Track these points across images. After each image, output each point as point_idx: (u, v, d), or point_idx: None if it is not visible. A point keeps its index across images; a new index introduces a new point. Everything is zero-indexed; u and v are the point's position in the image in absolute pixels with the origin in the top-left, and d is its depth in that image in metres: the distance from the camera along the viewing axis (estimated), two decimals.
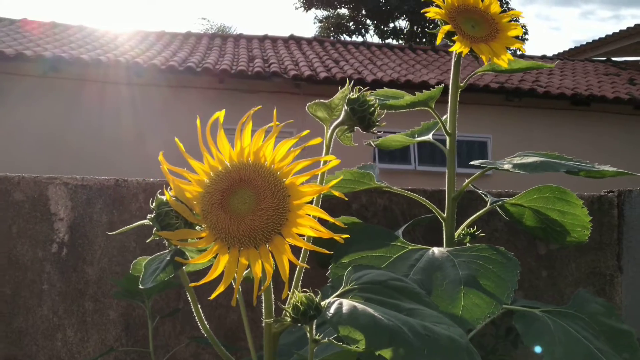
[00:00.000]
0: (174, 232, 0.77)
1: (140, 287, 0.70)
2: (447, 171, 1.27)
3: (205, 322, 0.87)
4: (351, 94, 0.81)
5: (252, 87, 9.38)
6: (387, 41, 25.11)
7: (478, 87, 9.42)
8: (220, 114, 0.81)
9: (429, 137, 1.38)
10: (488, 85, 9.63)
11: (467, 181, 1.27)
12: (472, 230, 1.29)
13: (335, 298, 0.84)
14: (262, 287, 0.76)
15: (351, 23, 27.84)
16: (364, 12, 27.22)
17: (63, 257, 1.57)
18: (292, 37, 12.65)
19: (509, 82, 9.87)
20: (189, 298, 0.86)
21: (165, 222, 0.78)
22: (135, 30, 11.89)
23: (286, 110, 9.39)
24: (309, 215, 0.78)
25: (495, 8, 1.23)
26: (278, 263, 0.77)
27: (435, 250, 1.11)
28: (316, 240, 0.80)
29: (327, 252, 0.77)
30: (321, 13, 27.77)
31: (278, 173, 0.78)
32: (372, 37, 27.44)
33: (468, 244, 1.30)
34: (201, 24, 22.84)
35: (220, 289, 0.76)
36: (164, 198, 0.81)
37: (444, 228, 1.28)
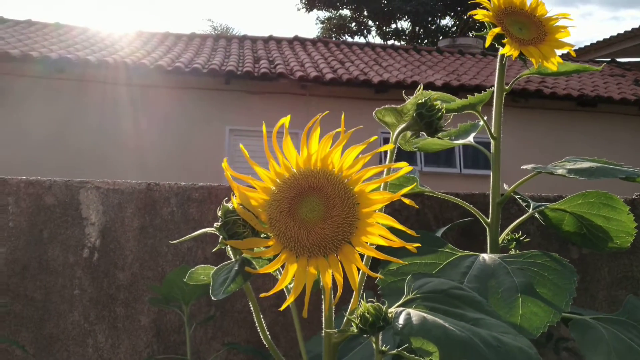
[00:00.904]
0: (242, 241, 0.75)
1: (213, 298, 0.68)
2: (492, 176, 1.25)
3: (267, 333, 0.85)
4: (420, 99, 0.79)
5: (258, 89, 9.37)
6: (389, 42, 25.14)
7: (485, 88, 9.39)
8: (286, 120, 0.79)
9: (470, 139, 1.36)
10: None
11: (512, 187, 1.25)
12: (517, 236, 1.27)
13: (400, 308, 0.82)
14: (334, 298, 0.74)
15: (353, 24, 27.83)
16: (365, 13, 27.21)
17: (94, 262, 1.55)
18: (296, 38, 12.63)
19: (516, 83, 9.85)
20: (252, 308, 0.84)
21: (232, 230, 0.76)
22: (139, 31, 11.87)
23: (293, 111, 9.37)
24: (379, 223, 0.76)
25: (542, 10, 1.21)
26: (347, 272, 0.75)
27: (486, 256, 1.09)
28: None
29: (399, 261, 0.76)
30: (323, 14, 27.76)
31: (347, 180, 0.77)
32: (374, 38, 27.46)
33: (513, 250, 1.28)
34: (204, 25, 22.78)
35: (290, 299, 0.74)
36: (230, 206, 0.79)
37: (487, 233, 1.26)
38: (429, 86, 9.38)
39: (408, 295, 0.87)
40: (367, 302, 0.79)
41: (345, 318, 0.87)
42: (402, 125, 0.82)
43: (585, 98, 9.95)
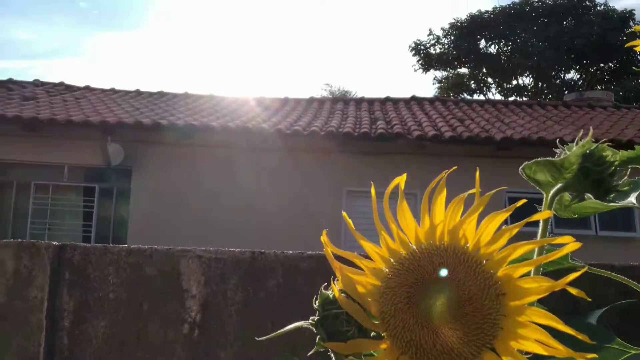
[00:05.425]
0: (346, 343, 0.56)
1: None
2: None
3: None
4: (586, 148, 0.58)
5: (375, 149, 9.28)
6: (510, 98, 24.42)
7: (619, 143, 8.65)
8: (401, 179, 0.61)
9: (631, 200, 1.09)
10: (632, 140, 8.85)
11: None
12: None
13: None
14: None
15: (472, 82, 27.45)
16: (484, 70, 26.77)
17: (194, 338, 1.42)
18: (413, 98, 12.53)
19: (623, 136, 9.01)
20: None
21: (333, 327, 0.58)
22: (261, 97, 12.34)
23: (411, 171, 9.15)
24: (534, 323, 0.55)
25: None
26: None
27: None
28: None
29: None
30: (440, 74, 27.65)
31: (486, 261, 0.56)
32: (494, 95, 26.83)
33: None
34: (323, 89, 23.49)
35: None
36: (330, 294, 0.61)
37: None
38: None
39: None
40: None
41: None
42: (560, 185, 0.61)
43: None
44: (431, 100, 12.55)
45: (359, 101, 12.49)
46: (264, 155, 9.32)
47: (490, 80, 27.24)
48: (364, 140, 9.16)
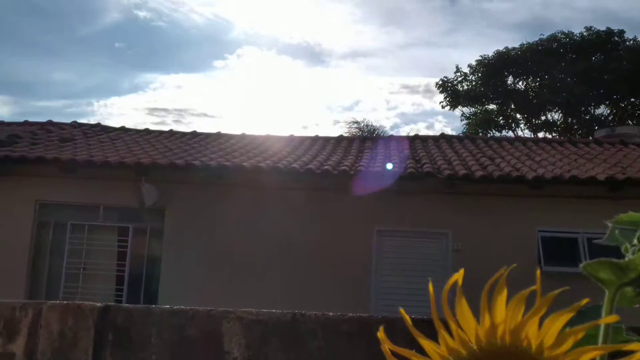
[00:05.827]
0: None
1: None
2: None
3: None
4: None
5: (405, 189, 9.26)
6: (539, 134, 24.24)
7: None
8: (459, 275, 0.61)
9: None
10: None
11: None
12: None
13: None
14: None
15: (500, 118, 27.31)
16: (512, 106, 26.65)
17: None
18: (442, 135, 12.53)
19: None
20: None
21: None
22: (291, 136, 12.47)
23: (441, 210, 9.13)
24: None
25: None
26: None
27: None
28: None
29: None
30: (468, 110, 27.59)
31: None
32: (523, 132, 26.63)
33: None
34: (350, 127, 23.58)
35: None
36: None
37: None
38: (590, 180, 8.69)
39: None
40: None
41: None
42: (623, 282, 0.60)
43: None
44: (460, 138, 12.53)
45: (387, 140, 12.53)
46: (295, 194, 9.37)
47: (518, 116, 27.08)
48: (394, 179, 9.15)
